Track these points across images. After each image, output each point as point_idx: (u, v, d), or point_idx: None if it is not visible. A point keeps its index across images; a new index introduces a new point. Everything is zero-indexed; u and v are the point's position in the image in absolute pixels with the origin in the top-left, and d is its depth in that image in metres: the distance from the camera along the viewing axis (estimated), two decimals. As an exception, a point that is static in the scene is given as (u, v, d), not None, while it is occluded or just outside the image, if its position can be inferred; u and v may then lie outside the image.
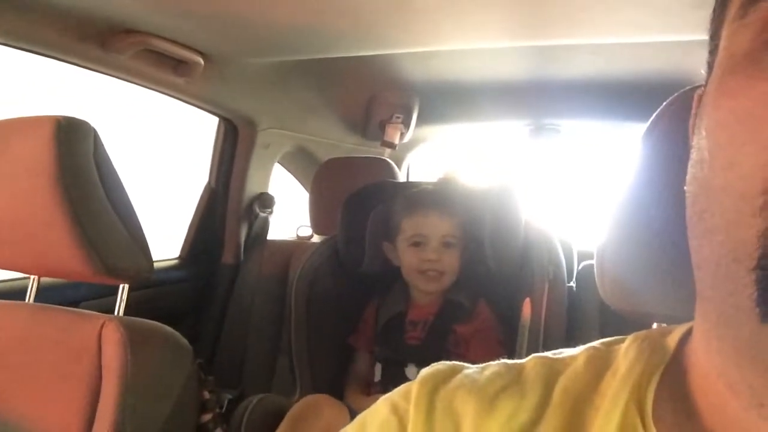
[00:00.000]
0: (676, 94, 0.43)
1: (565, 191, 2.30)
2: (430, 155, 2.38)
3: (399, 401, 0.39)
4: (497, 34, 1.24)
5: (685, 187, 0.31)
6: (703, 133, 0.28)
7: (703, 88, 0.32)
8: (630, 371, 0.35)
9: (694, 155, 0.30)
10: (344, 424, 0.42)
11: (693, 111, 0.34)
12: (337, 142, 2.08)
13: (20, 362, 0.90)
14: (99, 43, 1.22)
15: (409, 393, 0.39)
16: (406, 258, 1.36)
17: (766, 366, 0.24)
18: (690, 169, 0.30)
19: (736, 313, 0.25)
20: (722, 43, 0.29)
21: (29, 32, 1.12)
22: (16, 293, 1.08)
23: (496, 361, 0.41)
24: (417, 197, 1.38)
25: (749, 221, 0.24)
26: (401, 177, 2.02)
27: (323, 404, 1.26)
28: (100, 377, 0.85)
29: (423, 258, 1.33)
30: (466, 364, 0.41)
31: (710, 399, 0.31)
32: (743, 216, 0.24)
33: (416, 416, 0.37)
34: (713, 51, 0.31)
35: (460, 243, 1.35)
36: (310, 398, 1.29)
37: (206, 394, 0.96)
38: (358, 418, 0.42)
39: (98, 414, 0.84)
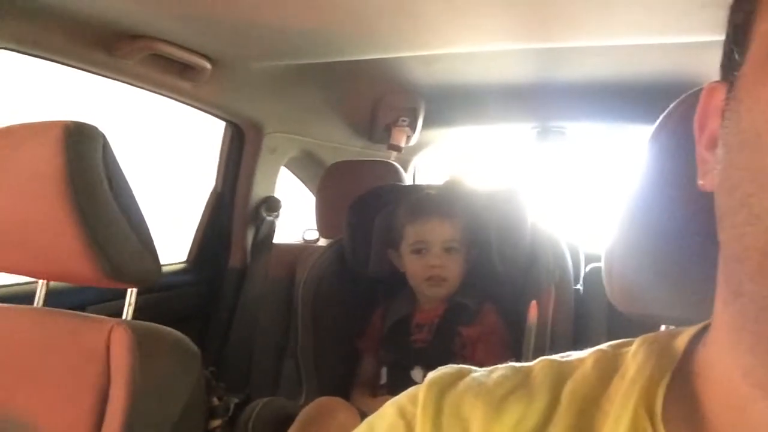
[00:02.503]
0: (683, 96, 0.43)
1: (572, 193, 2.29)
2: (437, 158, 2.38)
3: (406, 405, 0.39)
4: (502, 36, 1.24)
5: (699, 182, 0.30)
6: (744, 115, 0.28)
7: (718, 82, 0.32)
8: (639, 374, 0.35)
9: (730, 140, 0.29)
10: (355, 427, 0.42)
11: (702, 104, 0.34)
12: (343, 145, 2.09)
13: (29, 366, 0.91)
14: (106, 49, 1.23)
15: (416, 397, 0.39)
16: (410, 265, 1.36)
17: None
18: (725, 155, 0.29)
19: None
20: (761, 28, 0.29)
21: (37, 38, 1.13)
22: (25, 297, 1.08)
23: (504, 364, 0.41)
24: (418, 203, 1.38)
25: None
26: (408, 180, 2.02)
27: (335, 407, 1.26)
28: (108, 381, 0.85)
29: (426, 264, 1.33)
30: (473, 368, 0.41)
31: (723, 400, 0.30)
32: None
33: (424, 420, 0.37)
34: (739, 40, 0.31)
35: (464, 247, 1.35)
36: (323, 400, 1.28)
37: (215, 401, 0.96)
38: (366, 421, 0.42)
39: (106, 418, 0.84)
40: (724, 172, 0.29)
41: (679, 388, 0.33)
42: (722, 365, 0.32)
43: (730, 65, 0.31)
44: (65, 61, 1.23)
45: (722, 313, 0.32)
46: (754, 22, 0.30)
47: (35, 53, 1.16)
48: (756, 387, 0.28)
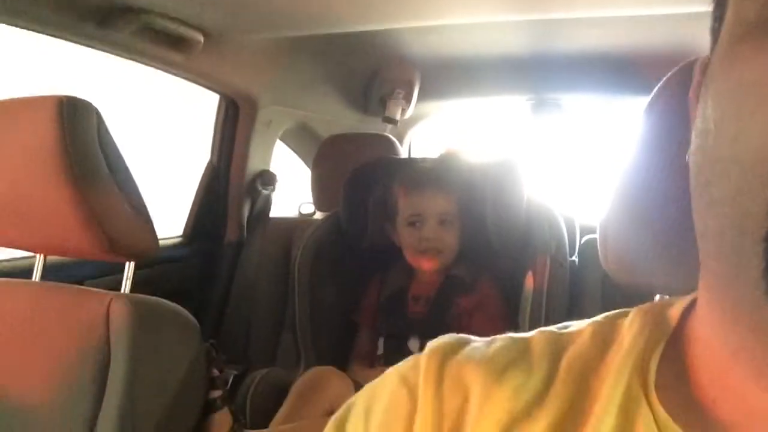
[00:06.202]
0: (678, 67, 0.43)
1: (568, 165, 2.29)
2: (433, 130, 2.37)
3: (408, 373, 0.40)
4: (498, 7, 1.23)
5: (687, 158, 0.30)
6: (709, 102, 0.28)
7: (709, 57, 0.31)
8: (633, 344, 0.35)
9: (699, 124, 0.29)
10: (349, 396, 0.42)
11: (696, 79, 0.33)
12: (339, 118, 2.08)
13: (28, 340, 0.91)
14: (97, 21, 1.21)
15: (417, 365, 0.39)
16: (405, 237, 1.37)
17: None
18: (694, 139, 0.29)
19: (740, 285, 0.25)
20: (730, 10, 0.28)
21: (27, 10, 1.11)
22: (23, 272, 1.09)
23: (502, 335, 0.41)
24: (412, 176, 1.38)
25: (757, 192, 0.24)
26: (403, 153, 2.01)
27: (329, 376, 1.28)
28: (108, 354, 0.86)
29: (421, 237, 1.34)
30: (472, 337, 0.41)
31: (712, 369, 0.31)
32: (751, 187, 0.24)
33: (426, 388, 0.38)
34: (718, 18, 0.30)
35: (459, 220, 1.36)
36: (316, 370, 1.30)
37: (215, 372, 0.97)
38: (366, 389, 0.42)
39: (107, 390, 0.85)
40: (692, 154, 0.29)
41: (672, 357, 0.34)
42: (705, 334, 0.32)
43: (712, 43, 0.31)
44: (56, 34, 1.21)
45: (700, 284, 0.33)
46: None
47: (25, 26, 1.15)
48: (731, 356, 0.29)
